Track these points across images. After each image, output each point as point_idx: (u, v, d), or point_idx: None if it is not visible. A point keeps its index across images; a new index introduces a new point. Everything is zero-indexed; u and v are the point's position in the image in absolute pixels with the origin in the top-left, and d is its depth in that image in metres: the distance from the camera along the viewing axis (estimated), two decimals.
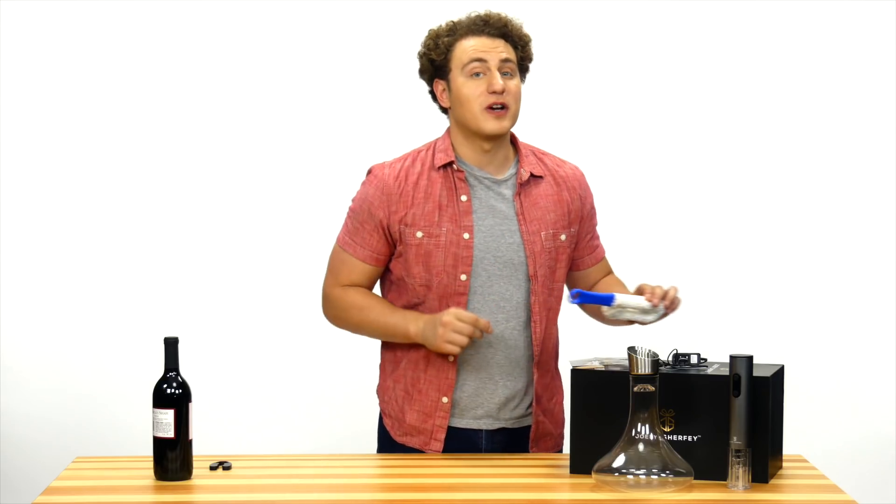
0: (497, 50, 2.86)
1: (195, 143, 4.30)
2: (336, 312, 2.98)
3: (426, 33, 2.94)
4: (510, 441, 2.96)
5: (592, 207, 3.06)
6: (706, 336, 4.11)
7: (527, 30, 2.94)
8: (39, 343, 4.29)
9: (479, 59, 2.84)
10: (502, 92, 2.83)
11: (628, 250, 4.29)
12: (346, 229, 2.96)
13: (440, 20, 2.95)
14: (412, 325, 2.87)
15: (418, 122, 4.18)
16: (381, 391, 3.04)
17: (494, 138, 2.88)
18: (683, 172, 4.32)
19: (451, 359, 2.89)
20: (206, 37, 4.28)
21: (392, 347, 3.00)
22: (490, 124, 2.85)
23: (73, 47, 4.25)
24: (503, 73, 2.85)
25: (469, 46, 2.86)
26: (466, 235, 2.87)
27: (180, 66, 4.28)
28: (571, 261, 3.02)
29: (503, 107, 2.84)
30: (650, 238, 4.30)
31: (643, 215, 4.30)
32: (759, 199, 4.31)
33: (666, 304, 2.79)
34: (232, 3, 4.27)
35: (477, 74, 2.85)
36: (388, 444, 3.01)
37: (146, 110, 4.28)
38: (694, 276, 4.31)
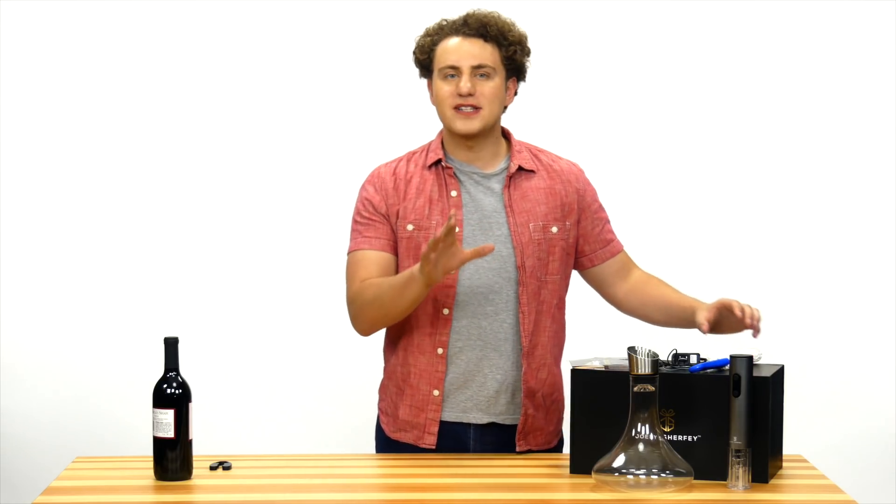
0: (471, 53, 2.89)
1: (195, 144, 4.30)
2: (359, 304, 2.92)
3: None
4: (501, 438, 2.96)
5: (595, 201, 3.06)
6: (706, 336, 4.10)
7: (520, 28, 2.95)
8: (39, 343, 4.29)
9: (452, 66, 2.90)
10: (469, 94, 2.88)
11: (629, 250, 4.29)
12: (356, 234, 2.98)
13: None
14: (416, 268, 2.80)
15: (429, 125, 4.20)
16: (381, 388, 3.07)
17: (471, 137, 2.92)
18: (684, 173, 4.31)
19: (440, 352, 2.91)
20: (209, 38, 4.27)
21: (388, 343, 3.03)
22: (458, 124, 2.90)
23: (74, 47, 4.25)
24: (479, 76, 2.89)
25: (446, 48, 2.91)
26: (455, 229, 2.88)
27: (181, 67, 4.28)
28: (572, 255, 3.01)
29: (472, 108, 2.89)
30: (650, 238, 4.30)
31: (643, 215, 4.30)
32: (758, 199, 4.31)
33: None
34: (236, 5, 4.27)
35: (451, 76, 2.90)
36: (383, 441, 3.04)
37: (147, 111, 4.28)
38: (694, 276, 4.31)
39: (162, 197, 4.29)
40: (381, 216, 2.95)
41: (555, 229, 2.96)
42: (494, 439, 2.96)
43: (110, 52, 4.26)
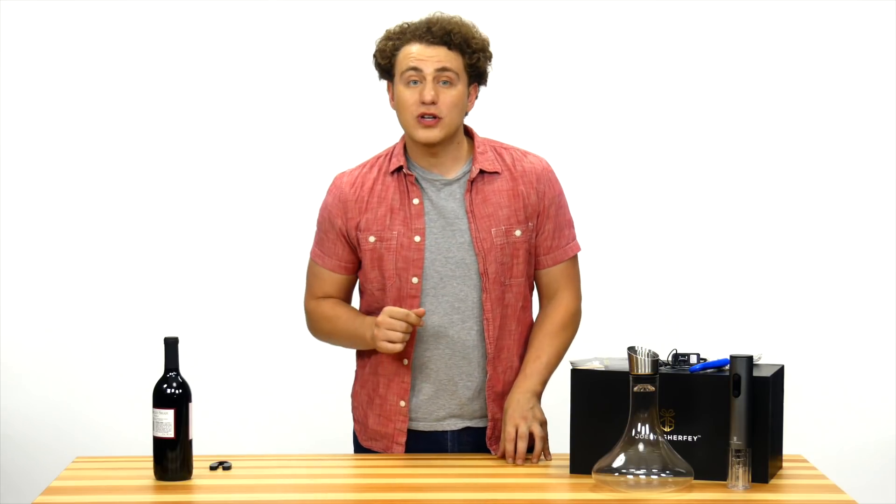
0: (434, 59, 2.84)
1: (196, 144, 4.30)
2: (312, 325, 3.03)
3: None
4: (477, 439, 2.96)
5: (553, 204, 2.94)
6: (706, 336, 4.11)
7: (482, 32, 2.89)
8: (39, 343, 4.29)
9: (414, 69, 2.84)
10: (431, 103, 2.82)
11: (629, 250, 4.30)
12: (315, 240, 3.00)
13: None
14: (367, 330, 2.88)
15: None
16: (353, 396, 3.07)
17: (433, 144, 2.88)
18: (685, 173, 4.31)
19: (406, 362, 2.90)
20: (208, 40, 4.27)
21: (360, 353, 3.03)
22: (420, 133, 2.85)
23: (73, 47, 4.25)
24: (442, 83, 2.84)
25: (409, 53, 2.85)
26: (417, 238, 2.88)
27: (184, 67, 4.28)
28: (535, 257, 2.97)
29: (434, 117, 2.84)
30: (651, 238, 4.30)
31: (644, 215, 4.30)
32: (759, 200, 4.31)
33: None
34: (231, 7, 4.27)
35: (414, 82, 2.85)
36: (357, 449, 3.05)
37: (148, 111, 4.28)
38: (694, 277, 4.31)
39: (162, 198, 4.30)
40: (336, 232, 2.94)
41: (518, 232, 2.90)
42: (471, 440, 2.96)
43: (110, 53, 4.26)
